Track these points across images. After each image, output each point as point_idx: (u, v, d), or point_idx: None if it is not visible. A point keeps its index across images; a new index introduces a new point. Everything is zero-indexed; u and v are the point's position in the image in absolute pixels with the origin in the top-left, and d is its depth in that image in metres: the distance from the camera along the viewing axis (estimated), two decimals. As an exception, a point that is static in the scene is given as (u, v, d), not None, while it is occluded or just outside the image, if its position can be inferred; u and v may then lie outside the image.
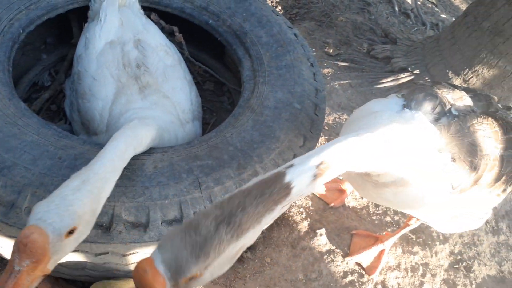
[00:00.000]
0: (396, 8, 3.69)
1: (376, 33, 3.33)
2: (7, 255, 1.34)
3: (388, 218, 2.12)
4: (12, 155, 1.21)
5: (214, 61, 2.32)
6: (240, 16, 1.98)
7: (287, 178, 0.92)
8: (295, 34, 1.99)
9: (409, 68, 2.93)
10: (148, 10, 2.01)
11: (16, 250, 0.91)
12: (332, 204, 2.05)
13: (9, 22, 1.61)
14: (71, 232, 0.98)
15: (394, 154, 1.22)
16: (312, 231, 1.92)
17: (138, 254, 1.27)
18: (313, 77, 1.84)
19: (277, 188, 0.90)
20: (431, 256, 2.05)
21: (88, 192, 1.02)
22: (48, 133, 1.31)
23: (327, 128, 2.43)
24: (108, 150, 1.15)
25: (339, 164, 1.03)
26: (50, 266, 0.98)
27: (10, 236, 1.20)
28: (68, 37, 2.10)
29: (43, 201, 0.98)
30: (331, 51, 2.99)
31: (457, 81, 2.80)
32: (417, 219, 1.78)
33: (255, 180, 0.94)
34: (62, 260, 1.26)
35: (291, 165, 0.96)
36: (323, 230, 1.93)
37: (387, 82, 2.91)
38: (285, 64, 1.81)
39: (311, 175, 0.95)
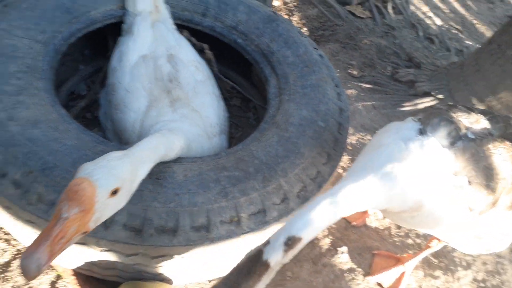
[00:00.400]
0: (421, 33, 3.75)
1: (400, 57, 3.38)
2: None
3: (410, 241, 2.13)
4: (54, 158, 1.29)
5: (241, 78, 2.40)
6: (268, 36, 2.06)
7: (264, 256, 1.07)
8: (320, 55, 2.06)
9: (433, 93, 2.96)
10: (180, 28, 2.11)
11: (65, 198, 0.98)
12: (354, 223, 2.08)
13: (53, 34, 1.72)
14: (114, 192, 1.06)
15: (397, 191, 1.29)
16: (333, 249, 1.95)
17: (166, 257, 1.32)
18: (337, 97, 1.90)
19: (258, 265, 1.06)
20: (453, 281, 2.04)
21: (128, 163, 1.12)
22: (86, 139, 1.40)
23: (350, 148, 2.47)
24: (142, 143, 1.27)
25: (311, 234, 1.16)
26: (91, 224, 1.04)
27: (47, 234, 1.27)
28: (104, 50, 2.21)
29: (89, 162, 1.07)
30: (355, 72, 3.05)
31: (481, 108, 2.81)
32: (439, 241, 1.79)
33: (245, 257, 1.09)
34: (95, 259, 1.34)
35: (268, 242, 1.10)
36: (344, 248, 1.95)
37: (410, 105, 2.95)
38: (310, 84, 1.87)
39: (282, 251, 1.09)
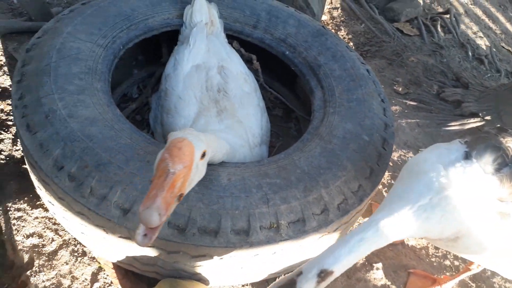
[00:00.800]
0: (470, 53, 3.65)
1: (447, 76, 3.31)
2: (91, 243, 1.49)
3: (447, 262, 2.06)
4: (108, 155, 1.37)
5: (285, 89, 2.44)
6: (316, 49, 2.09)
7: (297, 286, 1.12)
8: (367, 70, 2.06)
9: (480, 114, 2.87)
10: (231, 38, 2.18)
11: (168, 156, 1.04)
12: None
13: (113, 39, 1.82)
14: (202, 156, 1.15)
15: (434, 223, 1.28)
16: (368, 264, 1.92)
17: (206, 258, 1.36)
18: (383, 112, 1.89)
19: None
20: (492, 308, 1.96)
21: (204, 136, 1.22)
22: (139, 139, 1.47)
23: (391, 164, 2.44)
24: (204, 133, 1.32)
25: (343, 268, 1.20)
26: (187, 187, 1.11)
27: (97, 225, 1.34)
28: (157, 56, 2.32)
29: (175, 132, 1.16)
30: (400, 89, 3.02)
31: (532, 131, 2.70)
32: (479, 265, 1.73)
33: (277, 286, 1.14)
34: (137, 254, 1.39)
35: (300, 273, 1.14)
36: (380, 265, 1.92)
37: (456, 125, 2.87)
38: (356, 98, 1.88)
39: (315, 282, 1.13)
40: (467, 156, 1.34)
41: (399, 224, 1.26)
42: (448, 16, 4.01)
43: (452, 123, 2.89)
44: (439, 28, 3.84)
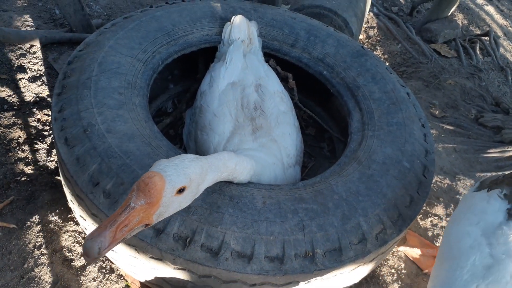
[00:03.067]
0: (510, 77, 3.53)
1: (486, 101, 3.19)
2: (120, 261, 1.47)
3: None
4: (145, 172, 1.35)
5: (319, 108, 2.39)
6: (355, 70, 2.04)
7: None
8: (407, 93, 1.99)
9: (523, 142, 2.75)
10: (268, 57, 2.15)
11: (135, 189, 1.03)
12: (426, 271, 1.95)
13: (152, 54, 1.83)
14: (180, 191, 1.10)
15: None
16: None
17: (237, 284, 1.31)
18: (423, 138, 1.82)
19: None
20: None
21: (199, 167, 1.17)
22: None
23: (428, 191, 2.34)
24: (216, 154, 1.32)
25: None
26: (154, 217, 1.08)
27: (129, 244, 1.32)
28: (193, 72, 2.32)
29: (164, 159, 1.12)
30: (436, 112, 2.92)
31: None
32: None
33: None
34: (167, 276, 1.36)
35: None
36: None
37: (495, 152, 2.75)
38: (396, 122, 1.81)
39: None
40: (510, 215, 1.25)
41: None
42: (487, 38, 3.90)
43: (491, 150, 2.77)
44: (478, 51, 3.73)
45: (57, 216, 1.77)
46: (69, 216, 1.79)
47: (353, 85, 1.98)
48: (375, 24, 3.67)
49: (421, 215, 2.20)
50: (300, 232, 1.35)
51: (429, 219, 2.20)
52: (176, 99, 2.33)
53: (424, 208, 2.25)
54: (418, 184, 1.62)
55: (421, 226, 2.16)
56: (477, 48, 3.75)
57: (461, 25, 3.86)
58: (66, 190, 1.53)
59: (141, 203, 1.03)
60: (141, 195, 1.03)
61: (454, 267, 1.29)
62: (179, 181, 1.09)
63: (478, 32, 4.04)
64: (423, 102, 2.97)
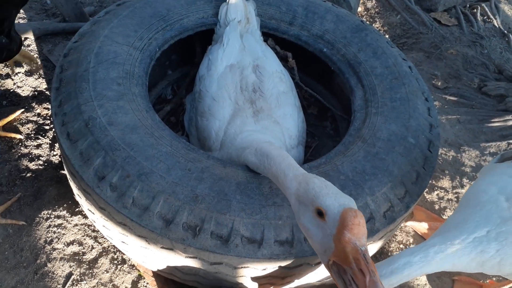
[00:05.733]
0: (512, 43, 3.47)
1: (489, 69, 3.15)
2: (132, 252, 1.48)
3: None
4: (150, 163, 1.34)
5: (320, 86, 2.36)
6: (355, 46, 2.00)
7: None
8: (409, 67, 1.96)
9: (527, 109, 2.72)
10: (266, 36, 2.11)
11: (352, 235, 0.96)
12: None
13: (148, 41, 1.79)
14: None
15: (490, 258, 1.21)
16: (412, 271, 1.84)
17: (249, 269, 1.32)
18: (427, 112, 1.80)
19: None
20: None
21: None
22: (179, 146, 1.44)
23: (433, 165, 2.34)
24: (286, 158, 1.28)
25: (393, 285, 1.17)
26: None
27: (139, 236, 1.32)
28: (190, 56, 2.28)
29: (331, 194, 1.05)
30: (439, 84, 2.89)
31: None
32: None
33: None
34: (179, 264, 1.37)
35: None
36: (423, 271, 1.85)
37: (499, 122, 2.73)
38: (399, 97, 1.79)
39: None
40: None
41: (450, 253, 1.20)
42: (487, 3, 3.81)
43: (495, 119, 2.74)
44: (479, 17, 3.65)
45: (65, 211, 1.78)
46: (77, 209, 1.80)
47: (354, 61, 1.95)
48: (373, -4, 3.60)
49: (427, 189, 2.20)
50: (309, 214, 1.34)
51: (435, 192, 2.20)
52: (176, 85, 2.30)
53: (429, 181, 2.25)
54: (423, 159, 1.61)
55: (428, 199, 2.17)
56: (478, 14, 3.67)
57: (461, -9, 3.77)
58: (72, 185, 1.53)
59: (365, 242, 0.98)
60: (361, 236, 0.97)
61: (468, 212, 1.30)
62: (354, 203, 1.05)
63: (479, -3, 3.95)
64: (424, 74, 2.94)
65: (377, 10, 3.47)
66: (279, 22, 2.11)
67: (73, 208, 1.80)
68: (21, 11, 2.66)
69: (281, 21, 2.10)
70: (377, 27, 3.33)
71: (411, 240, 1.98)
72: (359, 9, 3.43)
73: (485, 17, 3.71)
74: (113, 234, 1.43)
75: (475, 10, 3.71)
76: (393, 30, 3.32)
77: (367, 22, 3.26)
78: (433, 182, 2.25)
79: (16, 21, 2.58)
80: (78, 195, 1.50)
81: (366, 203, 1.42)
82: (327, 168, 1.51)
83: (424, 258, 1.19)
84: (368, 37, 2.01)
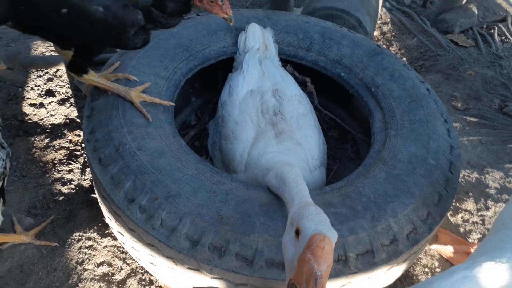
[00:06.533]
0: (533, 62, 3.46)
1: (509, 89, 3.14)
2: (159, 273, 1.52)
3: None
4: (177, 186, 1.40)
5: (340, 109, 2.41)
6: (372, 69, 2.05)
7: None
8: (427, 89, 1.99)
9: (550, 128, 2.69)
10: (285, 62, 2.18)
11: (311, 258, 0.98)
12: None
13: (174, 70, 1.88)
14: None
15: None
16: None
17: (274, 291, 1.35)
18: (447, 133, 1.81)
19: None
20: None
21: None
22: (204, 169, 1.49)
23: (455, 186, 2.33)
24: (301, 189, 1.30)
25: None
26: None
27: (167, 257, 1.37)
28: (213, 83, 2.37)
29: (307, 219, 1.07)
30: (459, 105, 2.89)
31: None
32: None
33: None
34: (204, 285, 1.41)
35: None
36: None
37: (523, 141, 2.70)
38: (418, 119, 1.82)
39: None
40: None
41: (499, 272, 1.20)
42: (504, 24, 3.83)
43: (519, 139, 2.72)
44: (496, 38, 3.67)
45: (95, 233, 1.85)
46: (107, 231, 1.87)
47: (372, 84, 1.99)
48: (388, 20, 3.66)
49: (451, 211, 2.18)
50: (331, 236, 1.37)
51: (460, 214, 2.18)
52: (199, 111, 2.39)
53: (453, 203, 2.24)
54: (445, 181, 1.62)
55: (452, 222, 2.15)
56: (495, 34, 3.69)
57: (476, 12, 3.80)
58: (103, 207, 1.59)
59: (324, 269, 0.99)
60: (321, 261, 0.99)
61: (506, 233, 1.29)
62: (334, 236, 1.06)
63: (495, 18, 3.97)
64: (443, 96, 2.95)
65: (393, 33, 3.53)
66: (297, 49, 2.18)
67: (103, 230, 1.87)
68: (53, 45, 2.81)
69: (299, 48, 2.17)
70: (394, 51, 3.38)
71: (436, 263, 1.96)
72: (375, 33, 3.49)
73: (502, 37, 3.72)
74: (142, 255, 1.48)
75: (492, 31, 3.73)
76: (410, 53, 3.36)
77: (384, 46, 3.32)
78: (457, 205, 2.23)
79: (48, 54, 2.74)
80: (108, 217, 1.56)
81: (388, 225, 1.43)
82: (349, 190, 1.53)
83: (479, 273, 1.19)
84: (384, 61, 2.06)
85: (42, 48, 2.78)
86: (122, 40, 1.53)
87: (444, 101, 2.91)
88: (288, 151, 1.74)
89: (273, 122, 1.82)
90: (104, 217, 1.66)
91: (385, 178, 1.57)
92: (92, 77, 1.60)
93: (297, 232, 1.07)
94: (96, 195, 1.64)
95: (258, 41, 2.04)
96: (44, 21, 1.45)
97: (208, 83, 2.38)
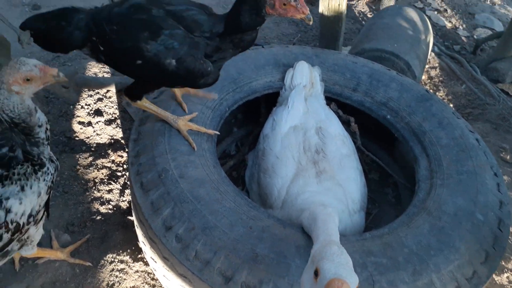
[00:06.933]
0: None
1: None
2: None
3: None
4: (214, 218, 1.39)
5: (383, 152, 2.35)
6: (420, 115, 2.00)
7: None
8: (477, 140, 1.92)
9: None
10: (329, 100, 2.18)
11: None
12: None
13: (220, 101, 1.91)
14: None
15: None
16: None
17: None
18: (497, 188, 1.72)
19: None
20: None
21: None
22: (242, 202, 1.48)
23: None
24: (329, 228, 1.27)
25: None
26: None
27: (199, 290, 1.35)
28: (255, 116, 2.38)
29: (327, 260, 1.04)
30: (508, 157, 2.76)
31: None
32: None
33: None
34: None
35: None
36: None
37: None
38: (466, 170, 1.74)
39: None
40: None
41: None
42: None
43: None
44: (551, 89, 3.52)
45: (128, 256, 1.86)
46: (139, 256, 1.87)
47: (418, 130, 1.94)
48: (437, 64, 3.60)
49: (496, 270, 2.05)
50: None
51: (505, 274, 2.05)
52: (239, 142, 2.40)
53: (502, 263, 2.11)
54: (493, 238, 1.53)
55: (497, 282, 2.02)
56: (550, 86, 3.55)
57: (530, 63, 3.68)
58: (139, 232, 1.60)
59: None
60: None
61: None
62: (355, 282, 1.03)
63: (550, 70, 3.83)
64: (492, 146, 2.83)
65: (441, 78, 3.46)
66: (343, 88, 2.17)
67: (136, 254, 1.87)
68: (106, 66, 2.95)
69: (345, 87, 2.17)
70: (441, 96, 3.30)
71: (477, 325, 1.82)
72: (423, 77, 3.44)
73: (558, 90, 3.57)
74: (172, 284, 1.46)
75: (546, 83, 3.59)
76: (458, 100, 3.27)
77: (431, 91, 3.26)
78: (503, 264, 2.10)
79: (100, 75, 2.86)
80: (143, 242, 1.56)
81: (431, 280, 1.35)
82: (390, 239, 1.47)
83: None
84: (433, 107, 2.01)
85: (96, 69, 2.92)
86: (192, 85, 1.57)
87: (492, 153, 2.79)
88: (328, 192, 1.70)
89: (314, 160, 1.80)
90: (138, 241, 1.67)
91: (429, 229, 1.50)
92: (145, 104, 1.65)
93: (316, 273, 1.03)
94: (133, 218, 1.65)
95: (305, 79, 2.05)
96: (119, 65, 1.54)
97: (251, 115, 2.40)
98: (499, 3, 5.04)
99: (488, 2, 4.97)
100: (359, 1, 4.38)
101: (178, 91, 1.79)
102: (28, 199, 1.38)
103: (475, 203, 1.61)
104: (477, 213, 1.58)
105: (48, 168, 1.44)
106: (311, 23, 1.44)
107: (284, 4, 1.38)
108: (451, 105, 3.23)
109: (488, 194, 1.65)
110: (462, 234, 1.49)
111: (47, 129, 1.43)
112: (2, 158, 1.37)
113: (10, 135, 1.39)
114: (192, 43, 1.44)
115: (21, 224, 1.39)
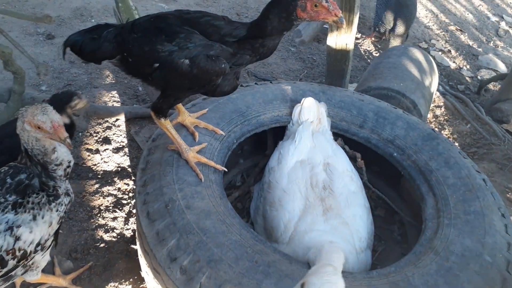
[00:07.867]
0: None
1: None
2: None
3: None
4: (219, 251, 1.38)
5: (389, 189, 2.35)
6: (427, 153, 2.01)
7: None
8: (484, 180, 1.92)
9: None
10: (336, 136, 2.20)
11: None
12: None
13: (228, 133, 1.94)
14: None
15: None
16: None
17: None
18: (504, 229, 1.71)
19: None
20: None
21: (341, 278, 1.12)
22: (247, 236, 1.47)
23: None
24: (333, 256, 1.28)
25: None
26: None
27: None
28: (261, 148, 2.40)
29: (313, 276, 1.06)
30: (514, 198, 2.75)
31: None
32: None
33: None
34: None
35: None
36: None
37: None
38: (473, 210, 1.73)
39: None
40: None
41: None
42: None
43: None
44: (556, 132, 3.54)
45: (130, 285, 1.83)
46: (142, 286, 1.84)
47: (425, 168, 1.95)
48: (442, 103, 3.65)
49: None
50: (376, 327, 1.28)
51: (514, 319, 1.99)
52: (245, 173, 2.41)
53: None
54: (502, 281, 1.51)
55: (505, 326, 1.96)
56: (555, 128, 3.57)
57: (534, 105, 3.72)
58: (142, 261, 1.59)
59: None
60: None
61: None
62: None
63: (554, 112, 3.86)
64: (497, 186, 2.82)
65: (446, 117, 3.50)
66: (349, 124, 2.20)
67: (138, 284, 1.85)
68: (116, 95, 3.01)
69: (352, 124, 2.19)
70: (446, 135, 3.32)
71: None
72: (428, 116, 3.48)
73: None
74: (174, 318, 1.43)
75: (551, 125, 3.61)
76: (463, 139, 3.29)
77: (436, 129, 3.28)
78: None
79: (110, 104, 2.91)
80: (147, 272, 1.55)
81: (438, 323, 1.32)
82: (397, 278, 1.45)
83: None
84: (439, 146, 2.02)
85: (106, 98, 2.97)
86: (209, 88, 1.56)
87: (498, 193, 2.78)
88: (334, 231, 1.69)
89: (321, 197, 1.80)
90: (141, 270, 1.65)
91: (436, 270, 1.48)
92: (167, 125, 1.67)
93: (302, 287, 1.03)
94: (137, 247, 1.64)
95: (312, 115, 2.08)
96: (141, 72, 1.60)
97: (257, 147, 2.42)
98: (502, 45, 5.15)
99: (491, 44, 5.08)
100: (365, 40, 4.49)
101: (189, 123, 1.83)
102: (38, 228, 1.38)
103: (483, 244, 1.59)
104: (485, 255, 1.56)
105: (62, 200, 1.46)
106: (344, 26, 1.40)
107: (316, 6, 1.33)
108: (457, 144, 3.25)
109: (496, 236, 1.64)
110: (470, 276, 1.46)
111: (68, 167, 1.46)
112: (19, 185, 1.39)
113: (28, 163, 1.41)
114: (206, 45, 1.47)
115: (28, 252, 1.39)
